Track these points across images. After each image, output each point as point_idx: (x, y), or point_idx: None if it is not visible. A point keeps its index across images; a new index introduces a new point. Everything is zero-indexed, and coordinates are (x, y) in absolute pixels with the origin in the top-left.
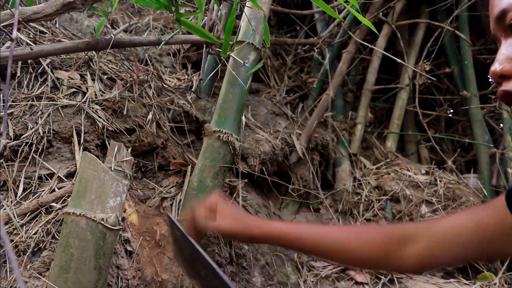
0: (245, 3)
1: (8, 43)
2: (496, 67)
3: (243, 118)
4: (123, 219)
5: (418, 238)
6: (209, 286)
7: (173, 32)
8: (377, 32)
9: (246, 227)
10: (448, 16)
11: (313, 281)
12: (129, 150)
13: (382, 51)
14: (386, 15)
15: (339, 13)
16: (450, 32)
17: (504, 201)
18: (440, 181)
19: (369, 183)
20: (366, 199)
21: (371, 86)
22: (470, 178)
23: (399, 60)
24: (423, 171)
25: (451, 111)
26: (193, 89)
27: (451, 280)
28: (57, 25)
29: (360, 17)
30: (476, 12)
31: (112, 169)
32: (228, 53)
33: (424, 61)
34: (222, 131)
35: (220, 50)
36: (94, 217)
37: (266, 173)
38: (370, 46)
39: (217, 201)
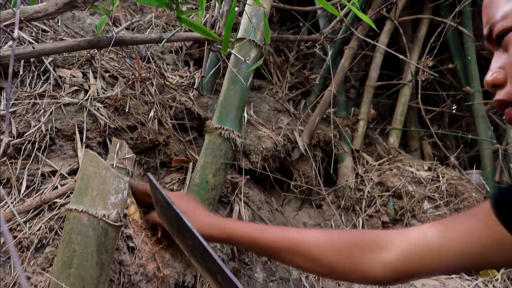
0: (245, 1)
1: (10, 42)
2: (488, 76)
3: (245, 114)
4: (125, 215)
5: (393, 246)
6: (195, 255)
7: (175, 29)
8: (377, 30)
9: (202, 224)
10: (451, 11)
11: (315, 277)
12: (130, 147)
13: (385, 47)
14: (389, 11)
15: (341, 9)
16: (453, 28)
17: (491, 209)
18: (443, 177)
19: (371, 179)
20: (369, 195)
21: (374, 83)
22: (473, 174)
23: (401, 56)
24: (426, 167)
25: (455, 107)
26: (195, 86)
27: (453, 276)
28: (59, 24)
29: (360, 14)
30: (480, 7)
31: (114, 166)
32: (229, 50)
33: (427, 57)
34: (223, 128)
35: (221, 47)
36: (96, 213)
37: (268, 169)
38: (372, 42)
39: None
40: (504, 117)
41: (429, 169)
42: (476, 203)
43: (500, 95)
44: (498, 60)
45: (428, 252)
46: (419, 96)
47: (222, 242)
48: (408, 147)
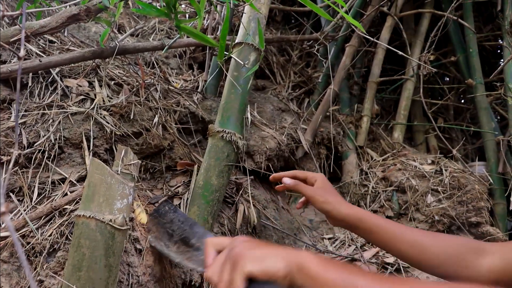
0: (243, 7)
1: (20, 52)
2: None
3: (249, 115)
4: (132, 219)
5: (494, 253)
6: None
7: (179, 34)
8: (368, 37)
9: (335, 202)
10: (452, 4)
11: None
12: (135, 153)
13: (386, 44)
14: (390, 6)
15: (342, 7)
16: (453, 21)
17: None
18: (446, 170)
19: (375, 174)
20: (373, 191)
21: (376, 78)
22: (476, 166)
23: (400, 53)
24: (429, 161)
25: (463, 100)
26: (199, 90)
27: None
28: (65, 34)
29: (351, 19)
30: None
31: (119, 172)
32: (229, 54)
33: (428, 50)
34: (225, 131)
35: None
36: (103, 218)
37: (272, 169)
38: (372, 39)
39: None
40: None
41: (433, 162)
42: (479, 195)
43: None
44: None
45: None
46: (421, 90)
47: (344, 224)
48: (413, 140)
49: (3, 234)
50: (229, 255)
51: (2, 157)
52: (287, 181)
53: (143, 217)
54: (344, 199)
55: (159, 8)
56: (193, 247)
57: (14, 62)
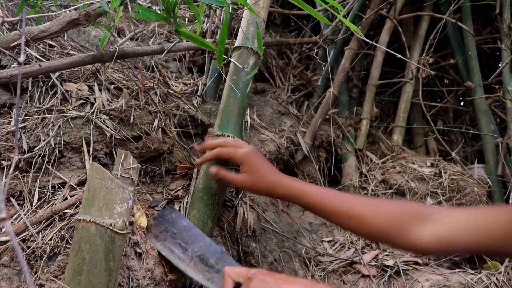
0: (242, 11)
1: (20, 58)
2: None
3: (248, 119)
4: (131, 223)
5: (437, 219)
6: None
7: (178, 38)
8: (366, 40)
9: (268, 185)
10: (451, 7)
11: (320, 276)
12: (134, 157)
13: (385, 47)
14: (389, 9)
15: (340, 11)
16: (451, 24)
17: None
18: (445, 172)
19: (375, 177)
20: (373, 193)
21: (376, 81)
22: (475, 169)
23: (399, 56)
24: (429, 164)
25: (462, 103)
26: (198, 93)
27: (457, 270)
28: (65, 38)
29: (347, 22)
30: (481, 2)
31: (119, 176)
32: (228, 58)
33: (427, 53)
34: (225, 135)
35: (216, 59)
36: (103, 222)
37: None
38: (371, 42)
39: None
40: None
41: (432, 165)
42: (478, 197)
43: None
44: None
45: (475, 230)
46: (420, 92)
47: (283, 199)
48: (412, 143)
49: (4, 238)
50: None
51: (2, 162)
52: (212, 171)
53: (143, 221)
54: (274, 169)
55: (158, 12)
56: (213, 268)
57: (14, 67)
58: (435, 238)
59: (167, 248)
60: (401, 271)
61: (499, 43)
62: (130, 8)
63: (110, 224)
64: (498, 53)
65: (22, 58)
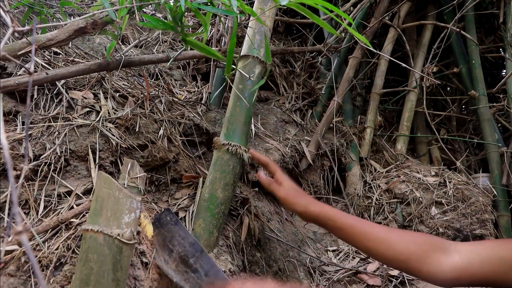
0: (248, 21)
1: (27, 65)
2: None
3: (253, 127)
4: (138, 232)
5: (457, 252)
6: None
7: (182, 45)
8: (373, 49)
9: (306, 203)
10: (454, 16)
11: (325, 285)
12: (140, 165)
13: (388, 56)
14: (392, 18)
15: (345, 19)
16: (456, 32)
17: None
18: (450, 182)
19: (379, 186)
20: (377, 203)
21: (379, 90)
22: (479, 178)
23: (403, 65)
24: (433, 173)
25: (466, 112)
26: (203, 102)
27: None
28: (70, 45)
29: (354, 32)
30: (484, 11)
31: (126, 185)
32: (236, 69)
33: (432, 62)
34: (230, 144)
35: (224, 69)
36: (111, 233)
37: None
38: (375, 51)
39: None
40: None
41: (436, 174)
42: (483, 207)
43: None
44: None
45: (488, 264)
46: (424, 101)
47: (312, 220)
48: (416, 152)
49: (10, 248)
50: None
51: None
52: (263, 177)
53: (149, 230)
54: (313, 198)
55: (165, 21)
56: (191, 268)
57: (20, 75)
58: (453, 269)
59: (156, 252)
60: (406, 281)
61: (502, 52)
62: (137, 17)
63: (118, 234)
64: (501, 61)
65: (32, 68)
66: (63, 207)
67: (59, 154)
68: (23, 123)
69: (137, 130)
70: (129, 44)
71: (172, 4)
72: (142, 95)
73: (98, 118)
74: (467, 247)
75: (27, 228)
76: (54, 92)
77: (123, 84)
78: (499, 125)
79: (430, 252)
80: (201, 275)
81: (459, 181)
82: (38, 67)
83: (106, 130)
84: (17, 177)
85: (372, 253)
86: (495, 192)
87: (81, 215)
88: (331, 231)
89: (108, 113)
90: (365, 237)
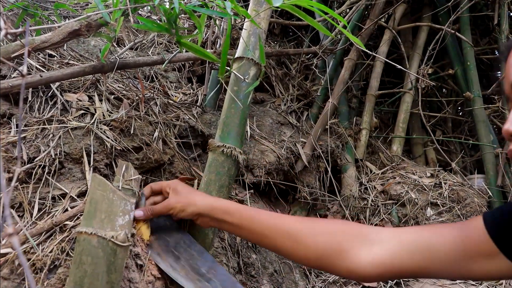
0: (241, 20)
1: (21, 68)
2: (508, 126)
3: (248, 129)
4: (133, 234)
5: (384, 243)
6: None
7: (177, 47)
8: (368, 51)
9: (190, 201)
10: (450, 18)
11: (321, 287)
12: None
13: (384, 58)
14: (388, 20)
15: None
16: (450, 34)
17: (483, 225)
18: (445, 183)
19: (375, 187)
20: (373, 204)
21: (375, 91)
22: (475, 179)
23: (399, 66)
24: (428, 174)
25: (461, 113)
26: (198, 104)
27: (458, 281)
28: (65, 47)
29: (349, 34)
30: (479, 13)
31: (120, 188)
32: (230, 70)
33: (427, 64)
34: (225, 146)
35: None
36: (105, 235)
37: (272, 183)
38: (370, 53)
39: (171, 184)
40: None
41: (432, 175)
42: (478, 208)
43: None
44: None
45: (419, 253)
46: (419, 103)
47: (209, 222)
48: (412, 153)
49: (4, 251)
50: None
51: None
52: (137, 214)
53: (145, 233)
54: (206, 194)
55: (160, 23)
56: (203, 276)
57: (14, 78)
58: (376, 263)
59: (160, 257)
60: (402, 282)
61: (497, 53)
62: (131, 19)
63: (112, 237)
64: (496, 63)
65: (25, 70)
66: (57, 210)
67: (53, 156)
68: (17, 126)
69: (132, 132)
70: (124, 46)
71: (167, 6)
72: (137, 97)
73: (92, 121)
74: (389, 234)
75: (18, 231)
76: (49, 94)
77: (118, 86)
78: (494, 126)
79: (345, 245)
80: (217, 285)
81: (454, 182)
82: (32, 70)
83: (101, 132)
84: (10, 180)
85: (281, 249)
86: (490, 193)
87: (75, 218)
88: (231, 231)
89: (103, 115)
90: (270, 231)
